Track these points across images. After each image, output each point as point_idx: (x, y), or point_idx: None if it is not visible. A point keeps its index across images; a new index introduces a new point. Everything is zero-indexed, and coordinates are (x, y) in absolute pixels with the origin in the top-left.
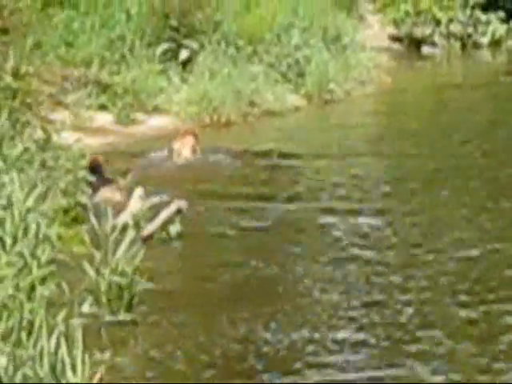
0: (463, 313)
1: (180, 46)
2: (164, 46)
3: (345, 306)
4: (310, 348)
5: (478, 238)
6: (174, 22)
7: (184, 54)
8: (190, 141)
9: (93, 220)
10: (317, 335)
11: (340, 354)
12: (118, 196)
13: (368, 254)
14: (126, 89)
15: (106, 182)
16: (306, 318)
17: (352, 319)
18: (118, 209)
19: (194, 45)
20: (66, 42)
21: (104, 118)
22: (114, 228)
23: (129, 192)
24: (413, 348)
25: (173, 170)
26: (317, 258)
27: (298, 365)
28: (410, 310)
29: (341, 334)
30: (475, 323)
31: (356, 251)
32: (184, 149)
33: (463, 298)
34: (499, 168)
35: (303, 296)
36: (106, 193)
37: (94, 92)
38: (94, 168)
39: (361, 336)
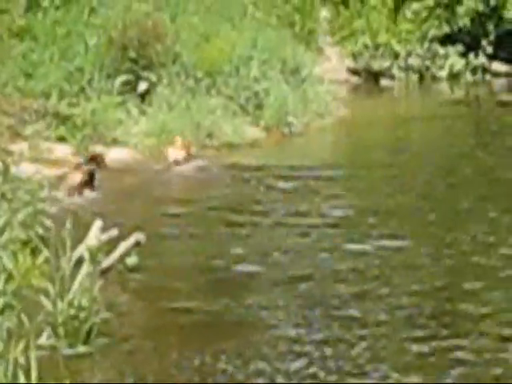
0: (415, 347)
1: (139, 78)
2: (122, 77)
3: (300, 339)
4: (258, 381)
5: (434, 271)
6: (132, 54)
7: (142, 86)
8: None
9: (50, 253)
10: (267, 368)
11: None
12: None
13: (327, 286)
14: (85, 121)
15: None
16: (260, 352)
17: (305, 353)
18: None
19: (153, 77)
20: (25, 74)
21: (63, 150)
22: (71, 260)
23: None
24: (359, 382)
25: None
26: (275, 291)
27: None
28: (363, 344)
29: (292, 367)
30: (426, 357)
31: (315, 284)
32: (172, 153)
33: (418, 332)
34: (459, 201)
35: (260, 329)
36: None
37: (52, 124)
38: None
39: (311, 370)
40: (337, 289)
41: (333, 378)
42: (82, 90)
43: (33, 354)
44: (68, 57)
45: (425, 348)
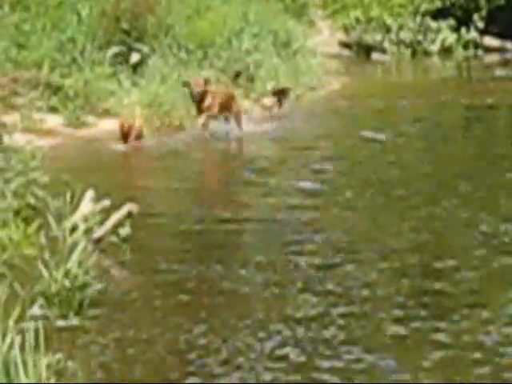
0: (393, 328)
1: (131, 50)
2: (115, 49)
3: (274, 319)
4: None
5: (408, 249)
6: (125, 25)
7: (135, 58)
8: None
9: (51, 222)
10: (242, 346)
11: (249, 368)
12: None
13: (305, 260)
14: (77, 91)
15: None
16: (229, 323)
17: (278, 332)
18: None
19: (145, 48)
20: (17, 44)
21: (54, 120)
22: (72, 230)
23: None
24: (331, 363)
25: None
26: (250, 267)
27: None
28: (340, 323)
29: (264, 348)
30: (403, 339)
31: (297, 258)
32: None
33: (397, 312)
34: (437, 175)
35: (233, 301)
36: None
37: (44, 94)
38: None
39: (284, 350)
40: (319, 261)
41: (304, 359)
42: (74, 60)
43: (27, 325)
44: (60, 27)
45: (402, 329)
